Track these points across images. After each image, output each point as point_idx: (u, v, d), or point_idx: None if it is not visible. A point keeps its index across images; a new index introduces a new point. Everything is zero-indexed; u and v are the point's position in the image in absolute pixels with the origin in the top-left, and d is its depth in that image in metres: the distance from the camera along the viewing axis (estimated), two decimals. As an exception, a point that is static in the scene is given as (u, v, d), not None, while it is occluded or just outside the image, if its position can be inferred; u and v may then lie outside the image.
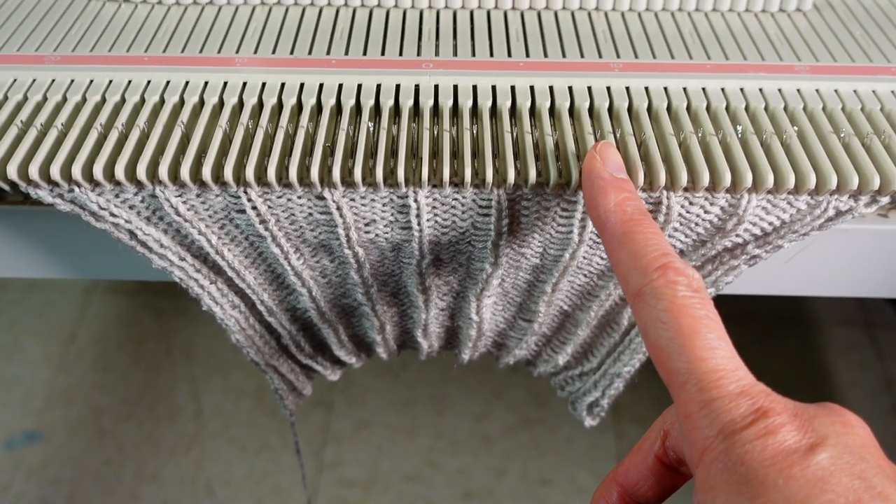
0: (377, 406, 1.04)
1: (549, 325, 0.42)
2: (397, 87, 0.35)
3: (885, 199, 0.32)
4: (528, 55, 0.37)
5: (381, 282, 0.39)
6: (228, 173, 0.31)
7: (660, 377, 0.24)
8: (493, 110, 0.34)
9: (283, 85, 0.35)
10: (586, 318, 0.39)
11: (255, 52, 0.37)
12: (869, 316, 1.14)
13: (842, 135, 0.33)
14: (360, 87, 0.35)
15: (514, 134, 0.33)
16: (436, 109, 0.34)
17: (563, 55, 0.37)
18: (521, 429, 1.02)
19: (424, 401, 1.05)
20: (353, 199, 0.32)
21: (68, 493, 0.95)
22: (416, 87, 0.35)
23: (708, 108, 0.34)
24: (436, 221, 0.33)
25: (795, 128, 0.33)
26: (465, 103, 0.34)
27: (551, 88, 0.35)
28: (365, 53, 0.37)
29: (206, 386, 1.06)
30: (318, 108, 0.34)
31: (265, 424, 1.02)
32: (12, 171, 0.30)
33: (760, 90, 0.35)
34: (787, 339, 1.10)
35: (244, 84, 0.35)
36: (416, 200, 0.32)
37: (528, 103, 0.34)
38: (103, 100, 0.34)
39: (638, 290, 0.25)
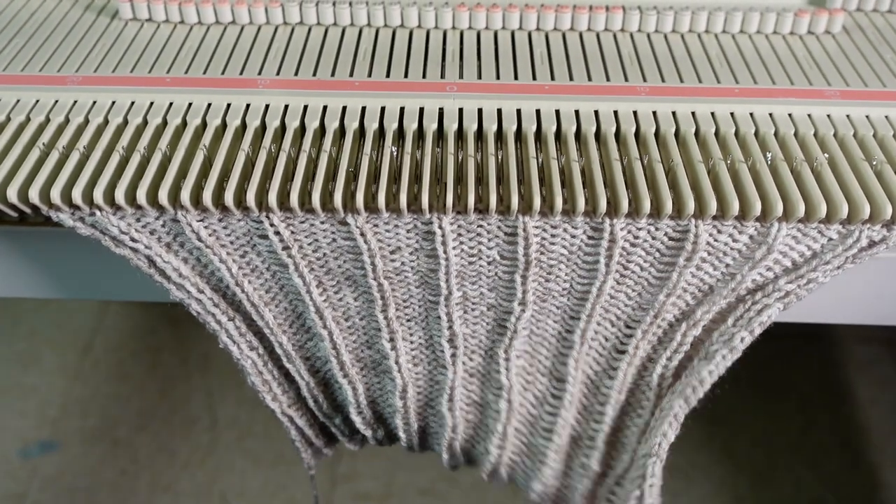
0: (392, 419, 1.04)
1: (575, 414, 0.40)
2: (421, 110, 0.34)
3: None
4: (553, 78, 0.37)
5: (407, 329, 0.38)
6: (251, 198, 0.30)
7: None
8: (518, 135, 0.34)
9: (305, 107, 0.35)
10: (615, 386, 0.38)
11: (278, 73, 0.37)
12: (890, 333, 1.12)
13: (874, 162, 0.32)
14: (383, 109, 0.34)
15: (540, 159, 0.32)
16: (460, 133, 0.33)
17: (589, 78, 0.37)
18: (537, 443, 1.01)
19: (440, 414, 1.04)
20: (376, 225, 0.32)
21: (83, 502, 0.95)
22: (440, 111, 0.34)
23: (737, 134, 0.34)
24: (462, 249, 0.32)
25: (826, 155, 0.32)
26: (490, 128, 0.33)
27: (577, 112, 0.34)
28: (388, 75, 0.37)
29: (222, 397, 1.06)
30: (342, 131, 0.34)
31: (280, 437, 1.01)
32: (34, 195, 0.30)
33: (790, 115, 0.35)
34: (808, 356, 1.09)
35: (267, 106, 0.35)
36: (440, 227, 0.31)
37: (554, 128, 0.33)
38: (125, 122, 0.34)
39: None
